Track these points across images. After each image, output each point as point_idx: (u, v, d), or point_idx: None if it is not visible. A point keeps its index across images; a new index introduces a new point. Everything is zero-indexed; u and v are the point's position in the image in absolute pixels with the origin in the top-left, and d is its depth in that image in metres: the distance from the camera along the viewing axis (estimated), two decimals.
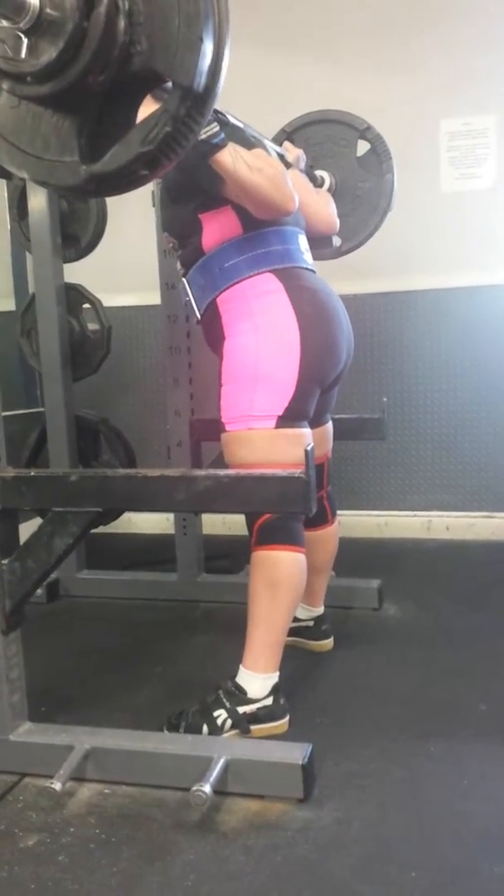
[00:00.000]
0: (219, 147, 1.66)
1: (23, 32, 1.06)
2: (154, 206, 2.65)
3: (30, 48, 1.07)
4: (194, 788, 1.51)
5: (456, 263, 3.44)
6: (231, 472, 1.58)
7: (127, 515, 3.58)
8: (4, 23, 1.05)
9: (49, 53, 1.07)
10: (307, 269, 1.99)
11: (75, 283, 2.96)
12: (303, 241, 2.02)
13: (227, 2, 1.13)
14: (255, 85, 3.17)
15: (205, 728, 1.83)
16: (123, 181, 1.23)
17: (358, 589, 2.70)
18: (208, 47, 1.10)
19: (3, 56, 1.09)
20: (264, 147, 1.89)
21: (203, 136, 1.60)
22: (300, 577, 1.90)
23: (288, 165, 2.15)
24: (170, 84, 1.12)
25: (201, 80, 1.12)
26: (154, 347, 3.68)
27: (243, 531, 1.97)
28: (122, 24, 1.09)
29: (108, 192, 1.30)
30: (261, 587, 1.88)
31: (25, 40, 1.06)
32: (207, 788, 1.51)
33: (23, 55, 1.08)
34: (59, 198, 2.77)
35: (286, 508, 1.63)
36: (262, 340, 1.87)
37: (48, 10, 1.04)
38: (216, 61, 1.13)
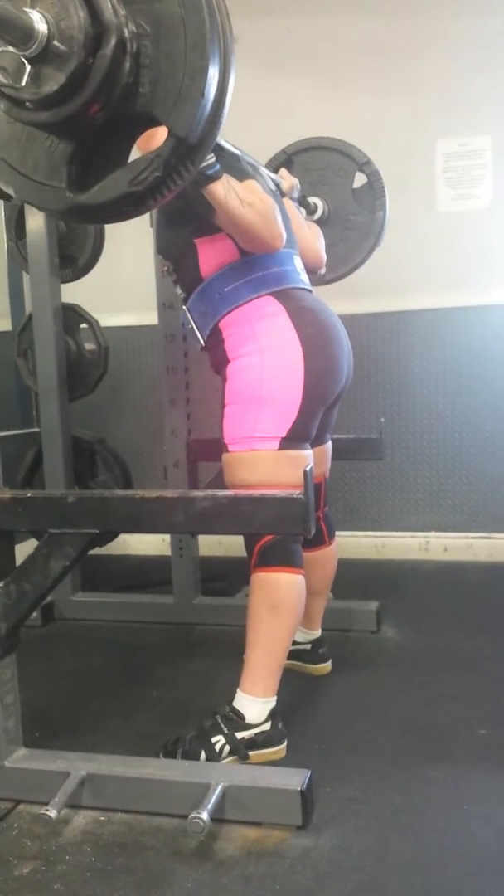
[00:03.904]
0: (213, 178, 1.65)
1: (27, 60, 1.06)
2: (152, 226, 2.66)
3: (32, 76, 1.08)
4: (192, 816, 1.49)
5: (452, 283, 3.45)
6: (229, 493, 1.56)
7: (122, 537, 3.56)
8: (10, 48, 1.05)
9: (51, 84, 1.08)
10: (304, 288, 1.99)
11: (72, 303, 2.96)
12: (298, 262, 2.02)
13: (233, 58, 1.13)
14: (253, 104, 3.17)
15: (202, 754, 1.81)
16: (107, 214, 1.24)
17: (356, 611, 2.68)
18: (209, 101, 1.10)
19: (4, 81, 1.09)
20: (259, 177, 1.89)
21: None
22: (300, 599, 1.89)
23: (283, 194, 2.15)
24: None
25: (197, 132, 1.12)
26: (151, 367, 3.67)
27: (240, 552, 1.96)
28: (127, 65, 1.10)
29: (91, 221, 1.31)
30: (261, 609, 1.86)
31: (29, 68, 1.07)
32: (205, 816, 1.49)
33: (24, 82, 1.08)
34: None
35: (285, 530, 1.62)
36: (266, 362, 1.87)
37: (55, 43, 1.05)
38: (214, 115, 1.14)
